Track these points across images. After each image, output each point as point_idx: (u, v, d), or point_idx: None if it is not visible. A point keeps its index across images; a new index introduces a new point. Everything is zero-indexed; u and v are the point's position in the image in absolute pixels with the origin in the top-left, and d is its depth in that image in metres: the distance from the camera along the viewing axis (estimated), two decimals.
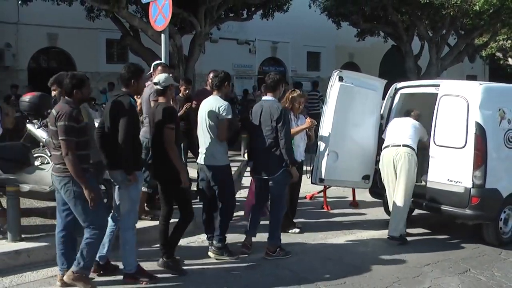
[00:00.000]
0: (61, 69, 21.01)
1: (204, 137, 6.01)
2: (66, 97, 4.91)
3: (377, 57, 26.47)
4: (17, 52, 18.68)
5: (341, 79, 7.29)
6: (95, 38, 19.65)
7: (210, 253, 6.11)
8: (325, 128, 7.27)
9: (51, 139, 4.88)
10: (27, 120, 8.00)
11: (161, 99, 5.70)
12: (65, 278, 4.96)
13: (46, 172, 6.95)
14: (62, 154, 4.74)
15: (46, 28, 19.00)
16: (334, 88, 7.29)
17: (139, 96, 6.43)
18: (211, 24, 16.28)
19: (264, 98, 6.40)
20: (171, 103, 6.08)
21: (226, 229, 6.14)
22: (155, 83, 5.72)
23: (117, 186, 5.34)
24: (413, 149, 7.00)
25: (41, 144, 7.98)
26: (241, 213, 7.52)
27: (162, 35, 7.45)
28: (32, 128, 7.65)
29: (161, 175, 5.68)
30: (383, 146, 7.29)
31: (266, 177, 6.17)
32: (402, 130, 7.18)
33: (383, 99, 7.88)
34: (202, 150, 6.03)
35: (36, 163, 7.86)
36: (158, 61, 7.13)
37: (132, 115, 5.10)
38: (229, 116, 5.93)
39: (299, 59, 25.40)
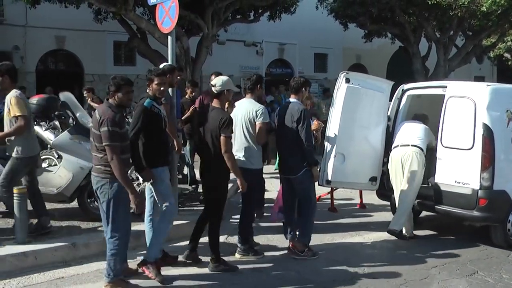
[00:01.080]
0: (69, 71, 21.04)
1: (240, 141, 6.03)
2: (108, 99, 4.97)
3: (385, 59, 26.39)
4: (25, 55, 18.77)
5: (348, 80, 7.27)
6: (103, 40, 19.71)
7: (236, 254, 6.21)
8: (332, 130, 7.26)
9: (93, 141, 4.91)
10: (35, 122, 8.02)
11: (215, 103, 5.73)
12: None
13: (53, 174, 6.99)
14: (103, 156, 4.81)
15: (54, 31, 19.07)
16: (341, 90, 7.26)
17: None
18: (218, 26, 16.29)
19: (288, 100, 6.52)
20: (226, 107, 6.07)
21: (248, 230, 6.26)
22: (212, 85, 5.74)
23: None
24: (421, 149, 6.99)
25: (48, 146, 8.00)
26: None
27: (169, 37, 7.44)
28: (40, 130, 7.66)
29: (207, 179, 5.82)
30: (393, 146, 7.29)
31: (289, 177, 6.30)
32: (411, 131, 7.19)
33: (390, 100, 7.86)
34: (239, 154, 5.99)
35: (44, 165, 7.90)
36: (166, 63, 7.12)
37: (142, 115, 5.20)
38: (267, 120, 6.05)
39: (306, 61, 25.34)
